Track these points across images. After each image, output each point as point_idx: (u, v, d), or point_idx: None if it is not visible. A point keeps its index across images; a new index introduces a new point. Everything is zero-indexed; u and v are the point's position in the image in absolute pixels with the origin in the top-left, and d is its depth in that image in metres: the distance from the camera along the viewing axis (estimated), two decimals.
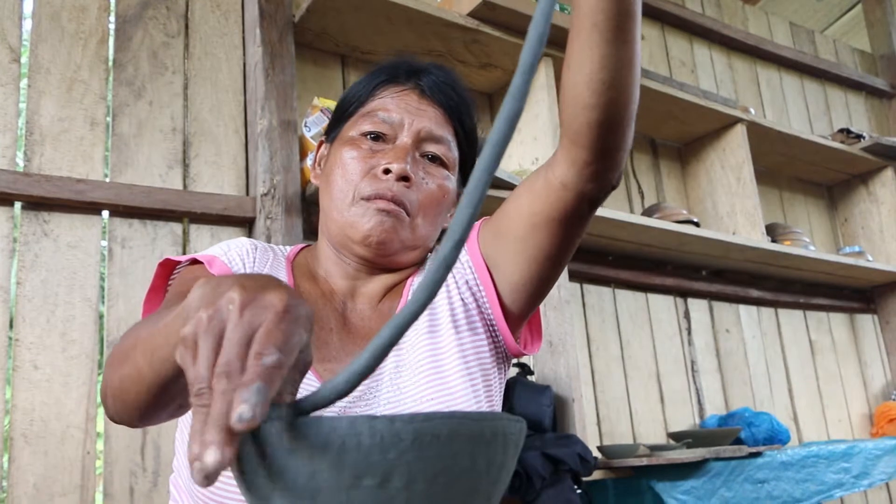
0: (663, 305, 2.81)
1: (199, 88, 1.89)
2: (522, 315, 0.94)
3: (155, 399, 0.63)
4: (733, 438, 2.31)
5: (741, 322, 3.03)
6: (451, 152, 0.98)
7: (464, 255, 0.96)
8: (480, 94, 2.48)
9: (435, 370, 0.88)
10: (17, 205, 1.61)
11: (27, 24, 1.74)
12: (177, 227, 1.77)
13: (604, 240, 2.46)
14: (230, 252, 0.94)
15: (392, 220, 0.90)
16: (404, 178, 0.91)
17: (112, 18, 1.84)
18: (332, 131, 1.02)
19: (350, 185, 0.92)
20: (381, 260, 0.94)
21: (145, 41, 1.85)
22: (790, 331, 3.19)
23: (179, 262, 0.93)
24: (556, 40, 2.26)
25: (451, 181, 0.98)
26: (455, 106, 0.99)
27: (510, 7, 2.08)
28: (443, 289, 0.95)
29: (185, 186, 1.80)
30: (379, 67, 1.01)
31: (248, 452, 0.45)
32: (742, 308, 3.06)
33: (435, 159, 0.96)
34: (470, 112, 1.02)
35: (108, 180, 1.72)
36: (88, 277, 1.64)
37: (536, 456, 1.77)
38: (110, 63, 1.80)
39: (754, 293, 3.04)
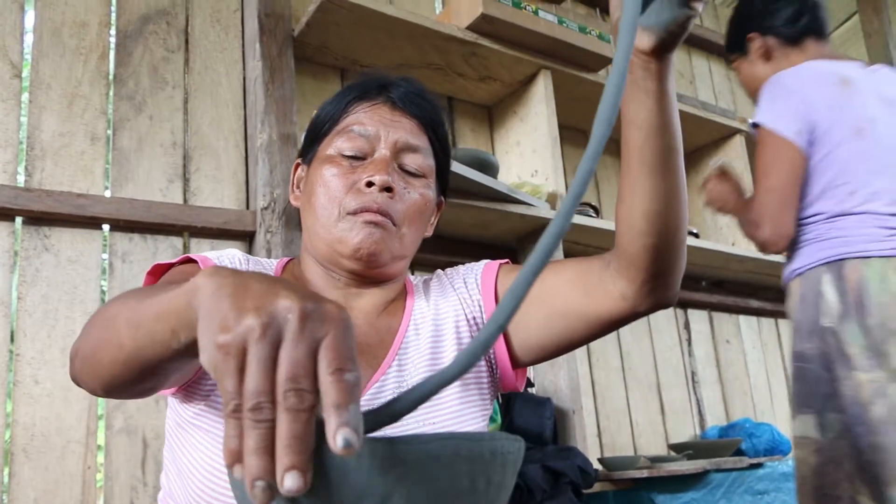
0: (663, 316, 2.81)
1: (200, 103, 1.90)
2: (525, 364, 0.99)
3: (128, 373, 0.61)
4: (734, 450, 2.31)
5: (741, 333, 3.03)
6: (428, 160, 0.99)
7: (475, 293, 1.00)
8: (479, 107, 2.48)
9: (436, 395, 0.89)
10: (19, 220, 1.61)
11: (28, 40, 1.75)
12: (177, 242, 1.77)
13: (603, 251, 2.46)
14: (222, 258, 0.95)
15: (380, 232, 0.91)
16: (387, 189, 0.92)
17: (113, 33, 1.85)
18: (307, 153, 1.03)
19: (334, 201, 0.93)
20: (371, 272, 0.94)
21: (146, 56, 1.86)
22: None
23: (169, 266, 0.93)
24: (555, 53, 2.27)
25: (431, 189, 0.99)
26: (427, 115, 1.00)
27: (509, 20, 2.09)
28: (451, 319, 0.97)
29: (185, 200, 1.81)
30: (348, 86, 1.02)
31: None
32: (742, 318, 3.06)
33: (413, 170, 0.97)
34: (441, 120, 1.03)
35: (108, 195, 1.72)
36: (89, 292, 1.64)
37: (537, 468, 1.77)
38: (111, 78, 1.81)
39: (754, 304, 3.04)
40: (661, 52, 0.73)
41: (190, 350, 0.51)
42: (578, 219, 2.20)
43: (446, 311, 0.98)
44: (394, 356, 0.94)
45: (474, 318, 0.98)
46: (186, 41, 1.94)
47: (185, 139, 1.86)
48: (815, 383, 1.52)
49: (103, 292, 1.68)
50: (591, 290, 0.90)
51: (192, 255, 0.93)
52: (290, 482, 0.40)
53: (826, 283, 1.54)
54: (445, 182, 1.05)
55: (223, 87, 1.95)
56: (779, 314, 3.14)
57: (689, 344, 2.86)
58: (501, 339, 0.97)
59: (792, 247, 1.66)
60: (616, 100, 0.48)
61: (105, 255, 1.70)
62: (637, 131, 0.78)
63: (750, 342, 3.04)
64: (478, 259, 2.23)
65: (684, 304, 2.89)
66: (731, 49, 1.90)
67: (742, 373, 2.96)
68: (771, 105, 1.64)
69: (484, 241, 2.27)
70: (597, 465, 2.10)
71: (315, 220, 0.94)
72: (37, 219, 1.62)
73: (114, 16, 1.86)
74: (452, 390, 0.93)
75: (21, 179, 1.65)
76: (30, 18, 1.76)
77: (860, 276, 1.51)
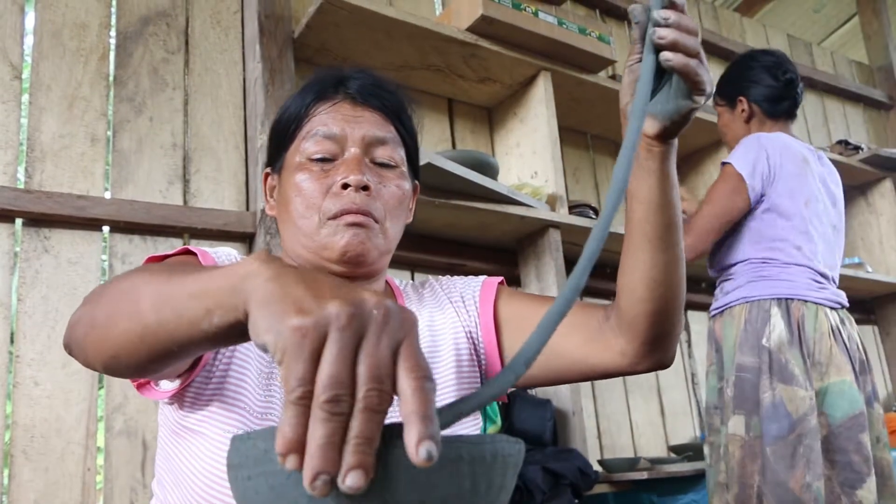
0: None
1: (200, 104, 1.90)
2: (520, 385, 1.00)
3: (140, 348, 0.58)
4: None
5: None
6: (398, 150, 0.98)
7: (472, 310, 1.01)
8: (479, 109, 2.49)
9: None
10: (19, 221, 1.61)
11: (29, 41, 1.75)
12: (177, 243, 1.77)
13: (603, 252, 2.43)
14: (219, 254, 0.94)
15: (364, 232, 0.90)
16: (364, 188, 0.91)
17: (113, 35, 1.85)
18: (274, 161, 1.01)
19: (312, 208, 0.91)
20: (359, 272, 0.94)
21: (146, 58, 1.86)
22: None
23: (163, 258, 0.91)
24: (555, 55, 2.28)
25: (406, 178, 0.98)
26: (390, 105, 0.99)
27: (509, 22, 2.09)
28: (449, 332, 0.99)
29: (185, 202, 1.81)
30: (304, 87, 1.01)
31: None
32: None
33: (385, 161, 0.96)
34: (403, 106, 1.02)
35: (108, 196, 1.72)
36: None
37: (537, 470, 1.77)
38: (111, 79, 1.81)
39: None
40: (664, 137, 0.80)
41: (219, 333, 0.50)
42: (579, 220, 2.20)
43: (443, 324, 0.99)
44: None
45: (471, 334, 0.99)
46: (186, 43, 1.94)
47: (185, 141, 1.86)
48: (750, 390, 1.83)
49: None
50: (592, 339, 0.93)
51: (190, 248, 0.92)
52: (353, 480, 0.39)
53: (775, 315, 1.87)
54: (417, 166, 1.05)
55: (223, 88, 1.95)
56: None
57: (689, 345, 2.86)
58: (497, 356, 0.98)
59: (737, 279, 1.99)
60: (625, 176, 0.53)
61: (105, 257, 1.70)
62: (639, 206, 0.84)
63: None
64: (478, 261, 2.25)
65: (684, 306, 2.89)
66: (722, 96, 2.21)
67: None
68: (745, 154, 1.98)
69: (484, 243, 2.27)
70: (597, 467, 2.10)
71: (296, 230, 0.93)
72: (37, 220, 1.62)
73: (114, 17, 1.86)
74: (447, 395, 0.93)
75: (21, 181, 1.65)
76: (30, 20, 1.76)
77: (801, 314, 1.88)
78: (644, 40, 0.73)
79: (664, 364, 0.92)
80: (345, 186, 0.90)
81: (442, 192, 1.89)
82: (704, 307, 2.93)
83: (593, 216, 2.32)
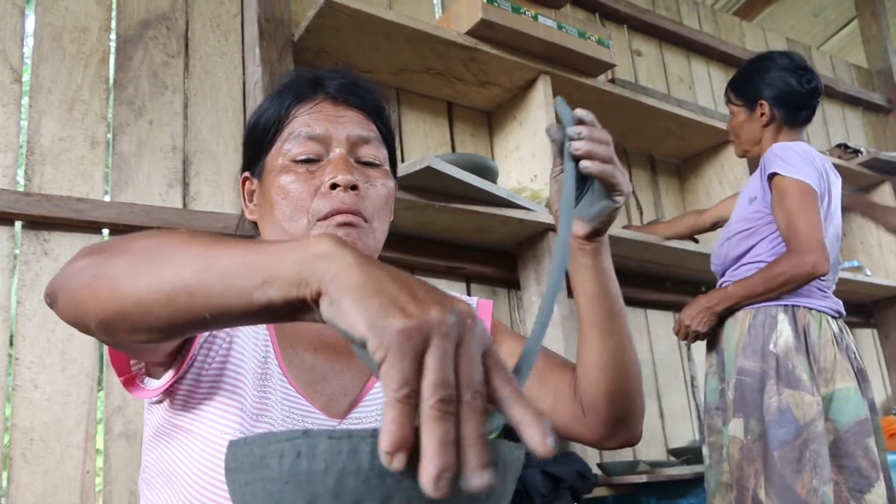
0: (662, 321, 2.81)
1: (199, 107, 1.91)
2: None
3: (164, 310, 0.56)
4: None
5: None
6: (381, 149, 0.98)
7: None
8: (479, 112, 2.49)
9: None
10: (18, 224, 1.61)
11: (29, 44, 1.75)
12: None
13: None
14: None
15: (356, 231, 0.90)
16: (353, 188, 0.90)
17: (113, 38, 1.85)
18: (254, 165, 0.99)
19: (300, 210, 0.90)
20: None
21: (145, 61, 1.86)
22: None
23: None
24: (556, 58, 2.28)
25: (389, 177, 0.98)
26: (369, 104, 0.99)
27: (508, 25, 2.09)
28: None
29: (185, 205, 1.81)
30: (280, 89, 1.00)
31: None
32: None
33: (370, 160, 0.96)
34: (382, 105, 1.01)
35: (108, 199, 1.72)
36: None
37: (536, 473, 1.77)
38: (111, 83, 1.81)
39: None
40: (594, 236, 0.88)
41: (269, 306, 0.50)
42: None
43: None
44: None
45: None
46: (186, 46, 1.94)
47: (185, 144, 1.86)
48: (750, 394, 1.84)
49: None
50: (561, 401, 0.96)
51: None
52: (485, 479, 0.41)
53: (782, 321, 1.88)
54: (396, 166, 1.04)
55: (223, 91, 1.95)
56: None
57: (688, 349, 2.86)
58: None
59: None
60: (558, 280, 0.61)
61: None
62: (582, 298, 0.91)
63: None
64: (477, 264, 2.25)
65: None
66: (739, 96, 2.15)
67: None
68: (792, 164, 1.92)
69: (483, 246, 2.27)
70: (596, 471, 2.10)
71: (282, 233, 0.92)
72: (36, 223, 1.62)
73: (114, 21, 1.86)
74: None
75: (21, 184, 1.65)
76: (30, 23, 1.76)
77: (807, 321, 1.89)
78: (563, 154, 0.82)
79: (631, 442, 0.96)
80: (333, 186, 0.89)
81: (441, 195, 1.89)
82: None
83: None
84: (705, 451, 1.96)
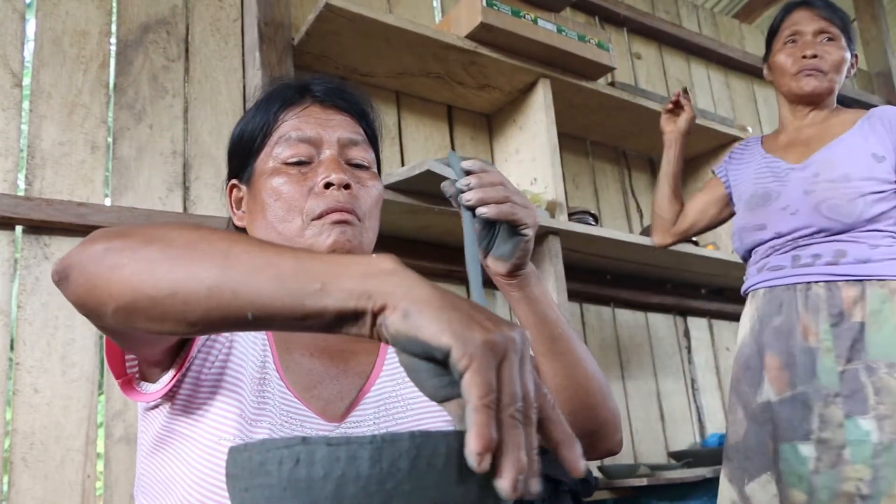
0: (663, 324, 2.81)
1: (199, 111, 1.91)
2: None
3: (199, 302, 0.55)
4: None
5: None
6: (370, 151, 0.99)
7: None
8: (479, 116, 2.49)
9: (425, 409, 0.93)
10: (19, 228, 1.61)
11: (29, 49, 1.75)
12: None
13: (603, 259, 2.47)
14: None
15: (351, 229, 0.90)
16: (346, 187, 0.91)
17: (113, 42, 1.85)
18: (241, 171, 1.00)
19: (294, 210, 0.91)
20: None
21: (146, 65, 1.87)
22: None
23: None
24: (554, 62, 2.28)
25: (378, 178, 0.99)
26: (356, 107, 1.00)
27: (508, 29, 2.09)
28: None
29: (185, 209, 1.81)
30: (266, 96, 1.01)
31: None
32: None
33: (360, 162, 0.97)
34: (367, 109, 1.03)
35: (108, 203, 1.72)
36: None
37: None
38: (111, 87, 1.82)
39: None
40: (515, 271, 0.89)
41: (321, 314, 0.51)
42: (579, 227, 2.20)
43: None
44: (381, 365, 0.94)
45: None
46: (186, 50, 1.95)
47: (185, 148, 1.87)
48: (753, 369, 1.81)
49: None
50: None
51: None
52: (538, 486, 0.45)
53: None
54: (380, 169, 1.06)
55: (223, 95, 1.95)
56: None
57: (689, 351, 2.86)
58: None
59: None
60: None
61: None
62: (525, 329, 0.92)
63: None
64: None
65: (684, 312, 2.90)
66: (849, 39, 1.95)
67: None
68: None
69: None
70: (596, 474, 2.10)
71: (276, 236, 0.92)
72: (37, 227, 1.62)
73: (114, 25, 1.86)
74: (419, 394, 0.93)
75: (21, 188, 1.66)
76: (31, 27, 1.77)
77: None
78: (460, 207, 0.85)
79: (611, 451, 0.98)
80: (327, 186, 0.90)
81: (441, 199, 1.89)
82: (704, 313, 2.94)
83: (593, 223, 2.32)
84: (806, 450, 1.59)
